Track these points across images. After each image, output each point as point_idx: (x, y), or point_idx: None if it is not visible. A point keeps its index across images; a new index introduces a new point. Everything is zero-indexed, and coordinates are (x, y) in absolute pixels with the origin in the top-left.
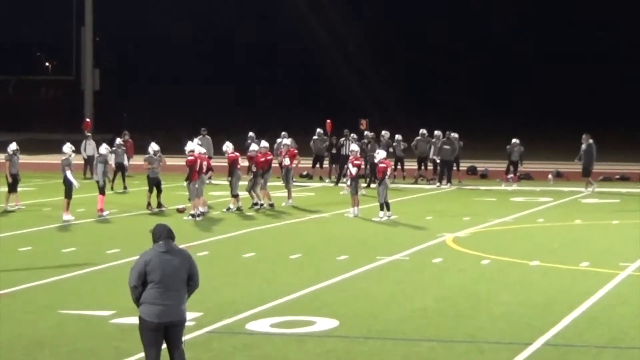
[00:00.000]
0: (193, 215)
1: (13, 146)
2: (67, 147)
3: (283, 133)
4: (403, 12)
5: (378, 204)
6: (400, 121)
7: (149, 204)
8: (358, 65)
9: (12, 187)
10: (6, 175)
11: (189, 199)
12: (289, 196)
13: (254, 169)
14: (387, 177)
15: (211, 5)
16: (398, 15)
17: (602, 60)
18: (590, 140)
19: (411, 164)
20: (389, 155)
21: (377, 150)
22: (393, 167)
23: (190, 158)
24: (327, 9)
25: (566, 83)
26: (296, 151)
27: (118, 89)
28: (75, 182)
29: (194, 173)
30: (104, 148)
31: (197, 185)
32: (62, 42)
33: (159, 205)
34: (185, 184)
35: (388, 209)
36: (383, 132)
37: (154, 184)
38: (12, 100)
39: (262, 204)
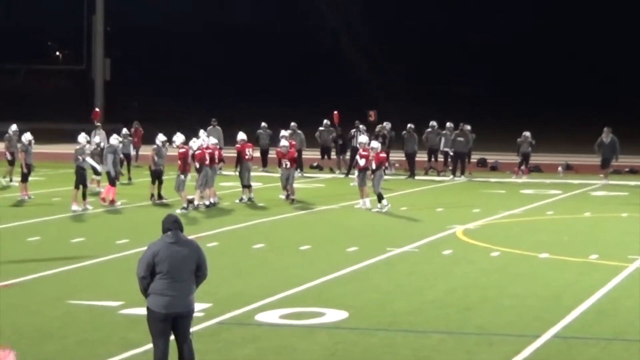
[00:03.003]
0: (184, 209)
1: (28, 136)
2: (82, 137)
3: (289, 129)
4: (414, 2)
5: (381, 195)
6: (409, 112)
7: (152, 195)
8: (368, 55)
9: (25, 177)
10: (21, 165)
11: (175, 190)
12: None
13: (287, 165)
14: (382, 168)
15: None
16: (409, 5)
17: (613, 52)
18: (611, 135)
19: (421, 157)
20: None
21: (371, 142)
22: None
23: (181, 151)
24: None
25: (577, 74)
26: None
27: (128, 79)
28: (98, 167)
29: (186, 165)
30: (114, 138)
31: (199, 177)
32: (73, 32)
33: (159, 197)
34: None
35: (381, 200)
36: (384, 124)
37: (156, 175)
38: (22, 89)
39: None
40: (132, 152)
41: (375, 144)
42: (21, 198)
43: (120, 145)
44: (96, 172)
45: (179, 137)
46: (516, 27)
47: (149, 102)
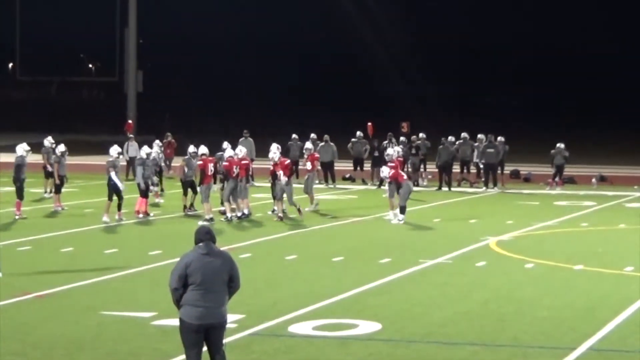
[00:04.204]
0: (208, 220)
1: (62, 147)
2: (114, 150)
3: (312, 136)
4: (449, 13)
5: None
6: (443, 124)
7: (185, 207)
8: (403, 67)
9: (58, 189)
10: (54, 177)
11: (202, 202)
12: (311, 201)
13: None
14: (408, 181)
15: (258, 7)
16: (444, 16)
17: None
18: None
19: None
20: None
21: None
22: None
23: (199, 163)
24: (373, 11)
25: (611, 86)
26: (317, 155)
27: (161, 91)
28: (120, 184)
29: (205, 177)
30: (143, 152)
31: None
32: (106, 44)
33: (191, 207)
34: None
35: (402, 212)
36: (420, 135)
37: (188, 186)
38: (55, 101)
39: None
40: (163, 164)
41: (397, 150)
42: (55, 209)
43: (152, 156)
44: (117, 191)
45: (201, 149)
46: (550, 38)
47: (182, 114)
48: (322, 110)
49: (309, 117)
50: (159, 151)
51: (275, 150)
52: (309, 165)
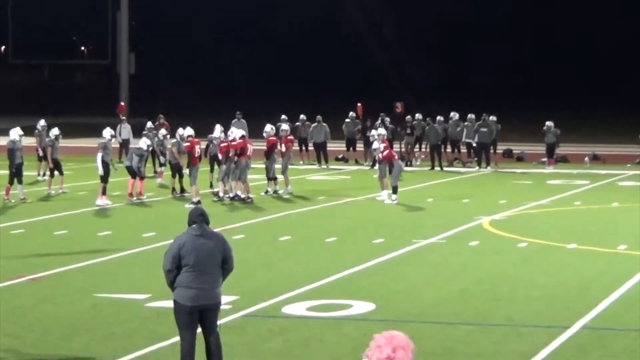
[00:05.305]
0: (195, 203)
1: (55, 131)
2: (107, 132)
3: (301, 117)
4: None
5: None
6: (434, 104)
7: (173, 189)
8: (393, 48)
9: (58, 171)
10: (48, 160)
11: (190, 185)
12: (287, 183)
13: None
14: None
15: None
16: None
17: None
18: None
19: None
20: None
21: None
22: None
23: (186, 144)
24: None
25: (603, 64)
26: (290, 137)
27: (153, 73)
28: (100, 168)
29: (193, 159)
30: (143, 143)
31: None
32: (98, 26)
33: (182, 190)
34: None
35: (394, 192)
36: (416, 115)
37: (177, 169)
38: (48, 84)
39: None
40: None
41: (382, 131)
42: (49, 193)
43: (149, 150)
44: (105, 175)
45: (187, 131)
46: (539, 15)
47: (174, 95)
48: (314, 91)
49: (300, 97)
50: (148, 143)
51: (269, 130)
52: (283, 148)
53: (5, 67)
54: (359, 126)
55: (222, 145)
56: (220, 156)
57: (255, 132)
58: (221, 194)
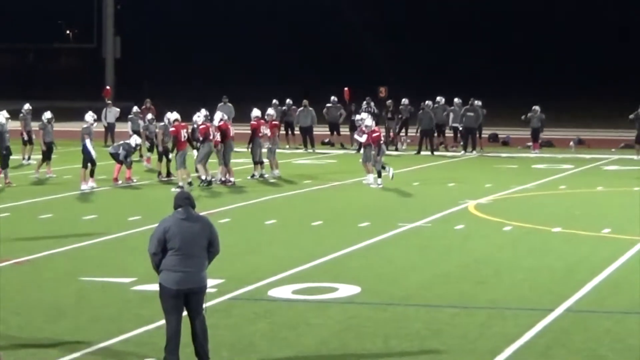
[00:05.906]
0: (181, 187)
1: (48, 114)
2: (89, 116)
3: (287, 101)
4: None
5: (380, 173)
6: (419, 88)
7: (159, 173)
8: (377, 32)
9: (46, 156)
10: (40, 144)
11: (176, 169)
12: (275, 166)
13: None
14: (381, 143)
15: None
16: None
17: (623, 29)
18: None
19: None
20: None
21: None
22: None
23: (172, 129)
24: None
25: (587, 49)
26: (275, 122)
27: (139, 57)
28: (93, 152)
29: (179, 143)
30: (133, 141)
31: (186, 156)
32: (83, 10)
33: (168, 174)
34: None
35: (379, 176)
36: (403, 100)
37: (164, 153)
38: (33, 69)
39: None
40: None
41: (369, 122)
42: (48, 176)
43: (137, 147)
44: (91, 159)
45: (173, 115)
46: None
47: (160, 80)
48: (299, 76)
49: (283, 82)
50: (138, 142)
51: (257, 114)
52: (268, 132)
53: None
54: (342, 110)
55: (201, 127)
56: (201, 138)
57: (243, 116)
58: (203, 176)
